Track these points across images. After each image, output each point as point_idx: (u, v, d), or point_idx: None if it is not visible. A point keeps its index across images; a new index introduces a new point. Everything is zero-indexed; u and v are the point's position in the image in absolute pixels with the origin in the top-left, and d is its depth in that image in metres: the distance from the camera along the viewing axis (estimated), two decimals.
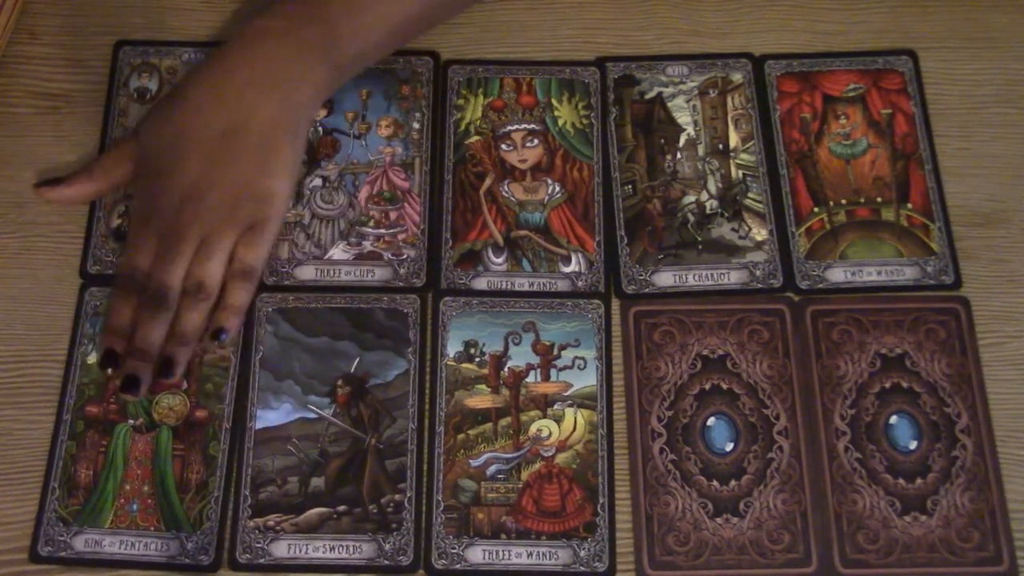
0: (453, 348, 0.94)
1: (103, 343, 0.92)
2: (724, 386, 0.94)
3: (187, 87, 0.94)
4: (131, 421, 0.92)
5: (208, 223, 0.89)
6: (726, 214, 1.00)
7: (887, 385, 0.94)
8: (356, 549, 0.88)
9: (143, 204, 0.93)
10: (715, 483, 0.91)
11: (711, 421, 0.93)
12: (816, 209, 1.00)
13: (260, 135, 0.91)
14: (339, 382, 0.93)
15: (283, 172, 0.92)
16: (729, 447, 0.92)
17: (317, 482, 0.90)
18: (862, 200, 1.00)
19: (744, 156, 1.02)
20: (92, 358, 0.94)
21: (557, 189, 1.00)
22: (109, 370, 0.92)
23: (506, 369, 0.94)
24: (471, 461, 0.91)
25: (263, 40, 0.93)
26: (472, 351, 0.94)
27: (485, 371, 0.94)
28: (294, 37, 0.93)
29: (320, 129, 1.03)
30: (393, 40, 1.00)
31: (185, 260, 0.89)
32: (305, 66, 0.93)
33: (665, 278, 0.97)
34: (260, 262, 0.92)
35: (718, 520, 0.90)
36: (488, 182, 1.01)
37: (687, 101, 1.04)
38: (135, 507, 0.89)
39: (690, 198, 1.00)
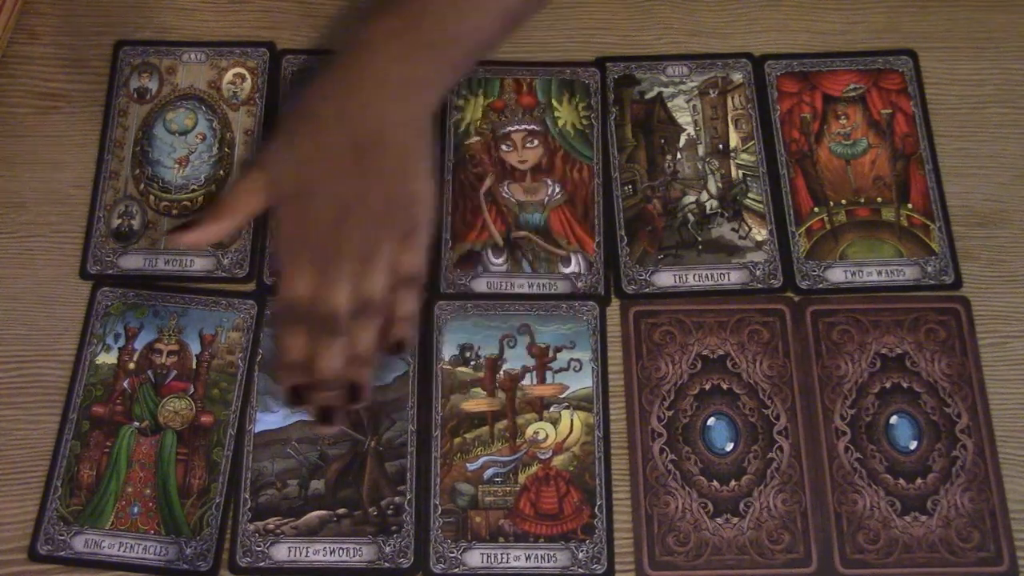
0: (448, 352, 0.95)
1: (283, 382, 0.89)
2: (724, 386, 0.94)
3: (310, 104, 0.92)
4: (136, 423, 0.92)
5: (364, 238, 0.87)
6: (726, 214, 0.99)
7: (887, 385, 0.94)
8: (356, 552, 0.88)
9: (291, 231, 0.90)
10: (715, 483, 0.91)
11: (711, 421, 0.93)
12: (816, 209, 1.00)
13: (394, 142, 0.89)
14: None
15: (425, 174, 0.90)
16: (729, 447, 0.92)
17: (317, 485, 0.90)
18: (862, 200, 1.00)
19: (744, 156, 1.02)
20: (101, 358, 0.94)
21: (557, 190, 1.00)
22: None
23: (502, 372, 0.94)
24: (468, 465, 0.91)
25: (379, 45, 0.91)
26: (467, 355, 0.94)
27: (481, 375, 0.94)
28: (409, 39, 0.91)
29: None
30: (501, 34, 0.98)
31: (348, 280, 0.86)
32: (424, 67, 0.91)
33: (665, 278, 0.97)
34: (421, 266, 0.90)
35: (718, 520, 0.90)
36: (488, 183, 1.01)
37: (687, 101, 1.04)
38: (136, 510, 0.90)
39: (690, 198, 1.00)
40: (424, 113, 0.92)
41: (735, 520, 0.90)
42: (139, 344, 0.95)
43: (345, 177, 0.88)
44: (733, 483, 0.91)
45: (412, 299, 0.90)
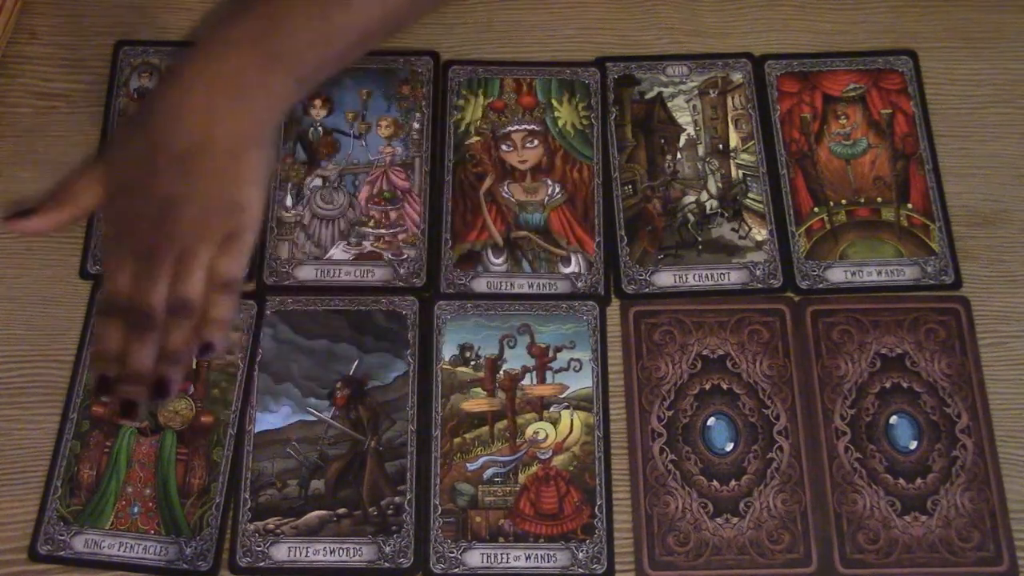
0: (448, 352, 0.95)
1: (94, 371, 0.91)
2: (724, 386, 0.94)
3: (150, 105, 0.92)
4: (136, 423, 0.92)
5: (184, 239, 0.87)
6: (726, 214, 0.99)
7: (887, 385, 0.94)
8: (356, 551, 0.88)
9: (116, 226, 0.91)
10: (715, 483, 0.91)
11: (711, 421, 0.93)
12: (816, 209, 1.00)
13: (226, 148, 0.88)
14: (338, 384, 0.93)
15: (253, 181, 0.89)
16: (729, 447, 0.92)
17: (317, 485, 0.90)
18: (862, 200, 1.00)
19: (744, 156, 1.02)
20: None
21: (557, 190, 1.00)
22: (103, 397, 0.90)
23: (502, 372, 0.94)
24: (468, 465, 0.91)
25: (224, 52, 0.90)
26: (467, 355, 0.94)
27: (481, 374, 0.94)
28: (255, 49, 0.90)
29: (320, 129, 1.03)
30: (354, 49, 0.97)
31: (165, 279, 0.87)
32: (267, 78, 0.90)
33: (665, 278, 0.97)
34: (240, 273, 0.90)
35: (718, 520, 0.90)
36: (488, 182, 1.01)
37: (687, 101, 1.04)
38: (136, 510, 0.90)
39: (690, 198, 1.00)
40: (261, 123, 0.92)
41: (735, 520, 0.90)
42: None
43: (173, 177, 0.88)
44: (733, 483, 0.91)
45: (227, 305, 0.89)
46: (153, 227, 0.88)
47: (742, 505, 0.90)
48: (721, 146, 1.02)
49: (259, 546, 0.89)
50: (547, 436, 0.92)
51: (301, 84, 0.94)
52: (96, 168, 0.94)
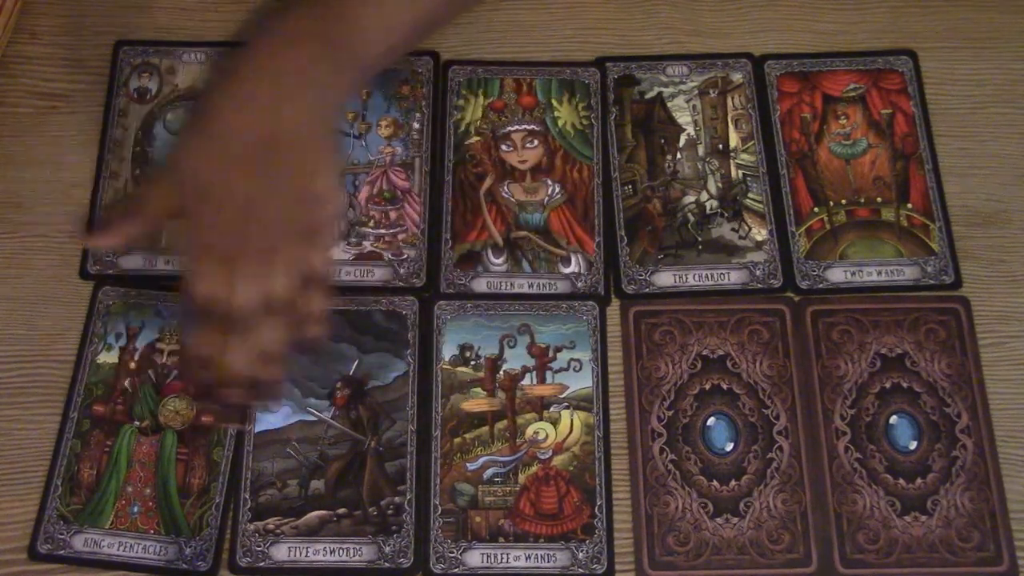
0: (448, 352, 0.95)
1: (191, 378, 0.90)
2: (724, 386, 0.94)
3: (215, 102, 0.90)
4: (136, 423, 0.92)
5: (267, 237, 0.85)
6: (726, 214, 0.99)
7: (887, 385, 0.94)
8: (356, 551, 0.88)
9: (197, 231, 0.88)
10: (715, 483, 0.91)
11: (711, 421, 0.93)
12: (816, 209, 1.00)
13: (297, 141, 0.87)
14: (338, 384, 0.93)
15: (326, 172, 0.88)
16: (729, 447, 0.92)
17: (317, 485, 0.91)
18: (862, 200, 1.00)
19: (744, 156, 1.02)
20: (102, 357, 0.95)
21: (557, 190, 1.00)
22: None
23: (502, 372, 0.94)
24: (468, 465, 0.91)
25: (287, 47, 0.89)
26: (467, 355, 0.94)
27: (481, 374, 0.94)
28: (318, 38, 0.90)
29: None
30: (415, 35, 0.97)
31: (257, 279, 0.84)
32: (331, 67, 0.90)
33: (665, 278, 0.97)
34: (327, 265, 0.89)
35: (718, 520, 0.90)
36: (488, 182, 1.01)
37: (687, 101, 1.04)
38: (136, 509, 0.90)
39: (690, 198, 1.00)
40: (328, 113, 0.91)
41: (735, 520, 0.90)
42: (140, 343, 0.95)
43: (251, 176, 0.86)
44: (733, 483, 0.91)
45: (319, 298, 0.88)
46: (234, 228, 0.85)
47: (742, 505, 0.90)
48: (721, 146, 1.02)
49: (259, 546, 0.89)
50: (547, 436, 0.92)
51: (365, 71, 0.94)
52: (164, 176, 0.91)
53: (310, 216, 0.87)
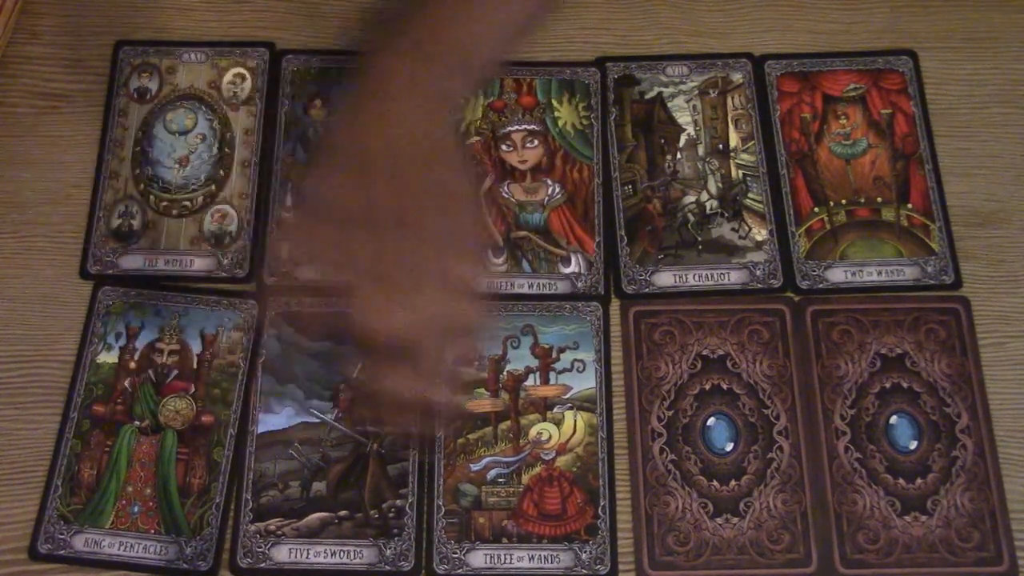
0: None
1: (359, 414, 0.90)
2: (724, 386, 0.94)
3: (340, 132, 0.88)
4: (137, 423, 0.92)
5: (418, 253, 0.82)
6: (726, 214, 1.00)
7: (887, 385, 0.94)
8: (357, 554, 0.88)
9: (347, 257, 0.84)
10: (715, 483, 0.91)
11: (711, 421, 0.93)
12: (816, 209, 1.00)
13: (438, 151, 0.85)
14: (341, 386, 0.93)
15: (459, 176, 0.87)
16: (729, 447, 0.92)
17: (319, 486, 0.90)
18: (862, 200, 1.00)
19: (744, 156, 1.02)
20: (102, 357, 0.94)
21: (557, 190, 1.00)
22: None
23: (505, 373, 0.94)
24: (471, 465, 0.91)
25: (407, 56, 0.87)
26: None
27: (484, 375, 0.94)
28: (435, 48, 0.88)
29: (320, 129, 1.03)
30: (508, 46, 0.95)
31: (407, 300, 0.81)
32: (450, 76, 0.88)
33: (665, 278, 0.97)
34: (477, 276, 0.86)
35: (718, 520, 0.90)
36: (488, 183, 1.01)
37: (687, 101, 1.04)
38: (136, 509, 0.90)
39: (690, 198, 1.00)
40: (452, 120, 0.90)
41: (735, 520, 0.90)
42: (140, 343, 0.95)
43: (398, 192, 0.83)
44: (733, 483, 0.91)
45: (475, 310, 0.84)
46: (385, 250, 0.82)
47: (742, 505, 0.90)
48: (721, 146, 1.02)
49: (260, 547, 0.89)
50: (551, 437, 0.92)
51: (477, 79, 0.95)
52: (305, 210, 0.90)
53: (461, 225, 0.85)
